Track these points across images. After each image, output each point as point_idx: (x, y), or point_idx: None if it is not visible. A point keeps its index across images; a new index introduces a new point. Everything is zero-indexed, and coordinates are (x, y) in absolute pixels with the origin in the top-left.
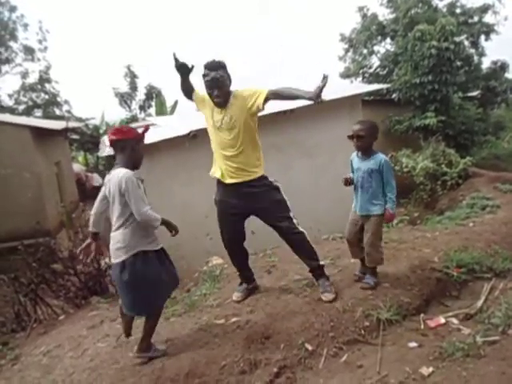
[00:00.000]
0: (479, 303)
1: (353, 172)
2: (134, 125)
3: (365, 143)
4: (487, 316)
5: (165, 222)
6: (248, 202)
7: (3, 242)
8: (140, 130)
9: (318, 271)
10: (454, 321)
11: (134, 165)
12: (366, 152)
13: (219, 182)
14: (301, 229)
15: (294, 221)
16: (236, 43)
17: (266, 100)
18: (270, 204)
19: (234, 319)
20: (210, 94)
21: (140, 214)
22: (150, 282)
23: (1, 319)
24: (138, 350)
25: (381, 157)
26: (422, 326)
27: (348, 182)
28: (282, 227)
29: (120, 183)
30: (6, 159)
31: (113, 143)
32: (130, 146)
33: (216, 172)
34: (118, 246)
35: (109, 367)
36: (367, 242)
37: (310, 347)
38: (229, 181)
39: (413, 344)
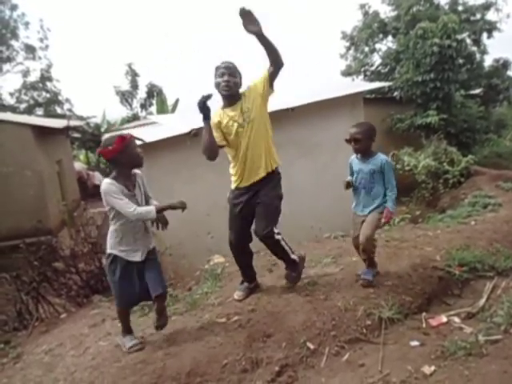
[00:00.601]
0: (481, 302)
1: (352, 175)
2: (134, 123)
3: (362, 146)
4: (489, 315)
5: (162, 209)
6: (256, 196)
7: (5, 240)
8: (124, 136)
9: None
10: (456, 319)
11: (128, 168)
12: (366, 154)
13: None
14: (277, 236)
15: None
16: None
17: (270, 77)
18: (260, 203)
19: (235, 318)
20: (218, 85)
21: (131, 216)
22: (113, 283)
23: (3, 317)
24: None
25: (381, 157)
26: (424, 325)
27: (349, 185)
28: (255, 229)
29: (103, 196)
30: (8, 158)
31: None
32: (115, 158)
33: (240, 181)
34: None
35: (110, 366)
36: (363, 232)
37: (311, 346)
38: (257, 178)
39: (415, 343)
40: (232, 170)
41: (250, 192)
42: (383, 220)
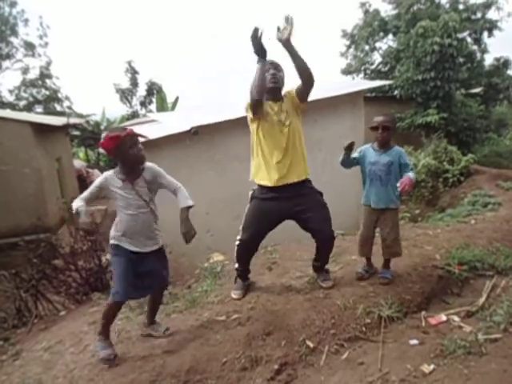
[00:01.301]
0: (481, 301)
1: (357, 162)
2: (134, 121)
3: (389, 135)
4: (489, 313)
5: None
6: (292, 204)
7: (4, 237)
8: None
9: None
10: (456, 318)
11: (128, 165)
12: (386, 145)
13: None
14: (334, 234)
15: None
16: (236, 40)
17: (299, 94)
18: (313, 206)
19: (235, 316)
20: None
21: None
22: (115, 273)
23: (2, 315)
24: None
25: (399, 149)
26: (424, 324)
27: (350, 148)
28: (320, 230)
29: None
30: (7, 155)
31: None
32: (110, 154)
33: (267, 179)
34: None
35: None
36: (389, 237)
37: (311, 344)
38: (281, 182)
39: (414, 341)
40: (262, 167)
41: (283, 201)
42: (399, 188)
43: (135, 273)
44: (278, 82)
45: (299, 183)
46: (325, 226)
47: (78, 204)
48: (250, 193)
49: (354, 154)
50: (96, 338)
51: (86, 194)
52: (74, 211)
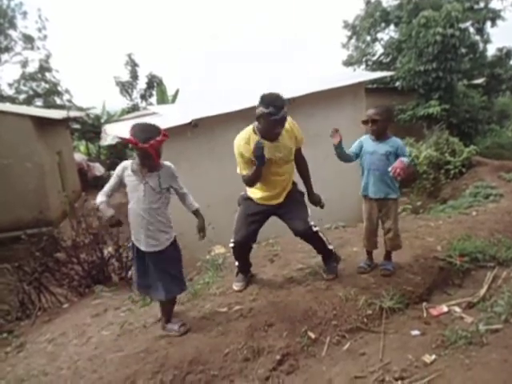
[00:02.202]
0: (482, 292)
1: (357, 155)
2: (134, 114)
3: (379, 127)
4: (490, 304)
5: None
6: (278, 204)
7: (6, 231)
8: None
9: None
10: (457, 309)
11: (140, 158)
12: (381, 136)
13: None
14: (315, 228)
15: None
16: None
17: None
18: (291, 205)
19: (236, 307)
20: (266, 131)
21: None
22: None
23: (6, 307)
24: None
25: (397, 140)
26: (425, 315)
27: (337, 133)
28: (294, 227)
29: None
30: (8, 149)
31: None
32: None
33: (262, 198)
34: None
35: (113, 355)
36: (391, 228)
37: (312, 335)
38: (278, 201)
39: (415, 332)
40: (255, 191)
41: (272, 207)
42: (391, 173)
43: (146, 270)
44: (280, 133)
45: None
46: (298, 223)
47: (98, 200)
48: (238, 198)
49: (352, 148)
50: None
51: (106, 187)
52: (97, 208)
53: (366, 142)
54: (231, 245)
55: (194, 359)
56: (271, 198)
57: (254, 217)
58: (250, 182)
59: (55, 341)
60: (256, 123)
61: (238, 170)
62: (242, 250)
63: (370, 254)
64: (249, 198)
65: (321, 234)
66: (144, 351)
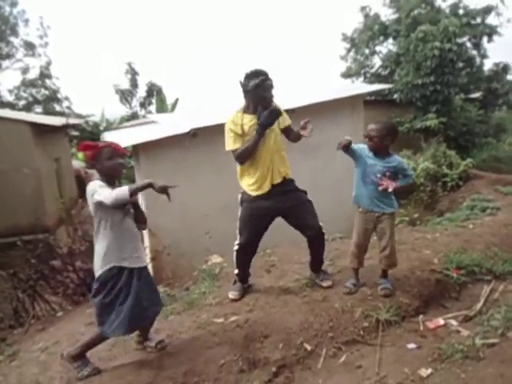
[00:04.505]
0: (479, 305)
1: (355, 159)
2: (134, 122)
3: (376, 144)
4: (486, 318)
5: (139, 188)
6: (280, 201)
7: (2, 237)
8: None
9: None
10: (453, 322)
11: (107, 176)
12: (379, 153)
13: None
14: (324, 230)
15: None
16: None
17: (285, 133)
18: (298, 203)
19: (233, 318)
20: (264, 98)
21: (107, 198)
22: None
23: None
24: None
25: (398, 159)
26: (421, 328)
27: (346, 147)
28: (308, 225)
29: (88, 194)
30: (6, 155)
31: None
32: (93, 164)
33: (260, 187)
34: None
35: (107, 364)
36: (387, 246)
37: (308, 347)
38: (275, 181)
39: (412, 345)
40: (248, 179)
41: (271, 199)
42: (380, 188)
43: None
44: (273, 103)
45: (283, 182)
46: (312, 221)
47: (125, 188)
48: (239, 196)
49: (356, 146)
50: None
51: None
52: (127, 194)
53: (366, 152)
54: (235, 247)
55: (189, 370)
56: (266, 180)
57: (259, 215)
58: (246, 152)
59: (48, 350)
60: (243, 105)
61: (228, 147)
62: (247, 253)
63: (356, 272)
64: (251, 198)
65: (326, 237)
66: (138, 361)
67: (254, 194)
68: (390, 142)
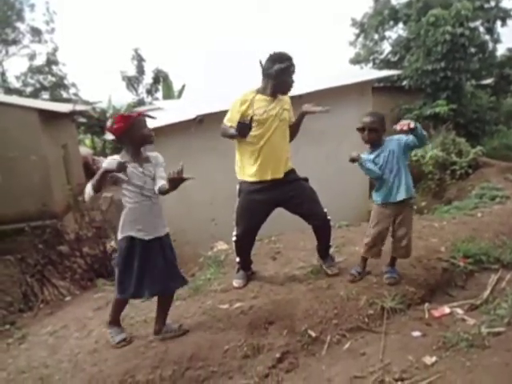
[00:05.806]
0: (485, 294)
1: (363, 165)
2: (140, 108)
3: (377, 136)
4: (493, 307)
5: (98, 179)
6: (279, 193)
7: (10, 223)
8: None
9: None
10: (459, 311)
11: (134, 146)
12: (376, 144)
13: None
14: (329, 216)
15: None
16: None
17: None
18: (300, 192)
19: (237, 304)
20: (285, 83)
21: (86, 194)
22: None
23: (8, 299)
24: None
25: (392, 137)
26: (427, 316)
27: (354, 160)
28: (312, 213)
29: None
30: (13, 142)
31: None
32: (121, 137)
33: (261, 174)
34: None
35: (113, 348)
36: (404, 235)
37: (313, 334)
38: (277, 176)
39: (416, 333)
40: (249, 169)
41: (270, 191)
42: (398, 128)
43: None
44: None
45: (287, 173)
46: (317, 209)
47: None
48: (237, 187)
49: (366, 157)
50: (109, 327)
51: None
52: (89, 191)
53: (366, 156)
54: (233, 238)
55: (194, 355)
56: (267, 171)
57: (257, 207)
58: (223, 135)
59: (56, 333)
60: (259, 86)
61: (225, 119)
62: (245, 244)
63: (365, 261)
64: (249, 190)
65: (331, 224)
66: (144, 346)
67: (253, 187)
68: (385, 131)
